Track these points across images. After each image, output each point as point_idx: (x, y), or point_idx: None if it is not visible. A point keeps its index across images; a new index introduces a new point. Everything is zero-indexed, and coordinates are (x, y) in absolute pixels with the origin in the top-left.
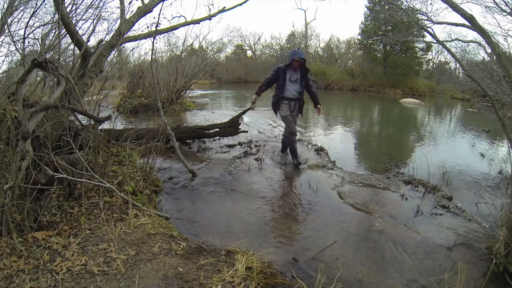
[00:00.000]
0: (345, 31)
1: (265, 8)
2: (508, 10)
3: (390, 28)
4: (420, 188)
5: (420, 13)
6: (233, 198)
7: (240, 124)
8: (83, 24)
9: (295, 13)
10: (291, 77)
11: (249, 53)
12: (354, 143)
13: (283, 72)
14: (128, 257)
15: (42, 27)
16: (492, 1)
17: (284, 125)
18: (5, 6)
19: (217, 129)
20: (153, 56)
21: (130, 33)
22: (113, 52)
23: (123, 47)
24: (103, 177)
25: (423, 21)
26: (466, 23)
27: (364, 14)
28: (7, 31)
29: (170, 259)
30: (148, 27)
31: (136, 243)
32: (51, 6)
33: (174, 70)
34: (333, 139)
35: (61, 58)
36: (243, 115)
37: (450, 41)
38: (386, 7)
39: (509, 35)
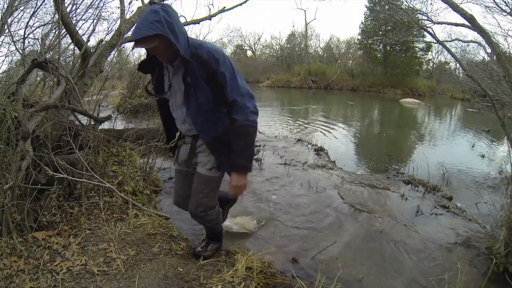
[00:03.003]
0: (345, 31)
1: (265, 8)
2: (508, 10)
3: (390, 28)
4: (420, 188)
5: (420, 13)
6: None
7: None
8: (83, 24)
9: (295, 13)
10: (171, 90)
11: (249, 53)
12: (354, 143)
13: (158, 76)
14: (128, 257)
15: (42, 27)
16: (492, 1)
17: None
18: (5, 6)
19: None
20: None
21: (130, 33)
22: (113, 52)
23: (123, 47)
24: (103, 177)
25: (423, 21)
26: (466, 23)
27: (364, 14)
28: (7, 31)
29: (170, 259)
30: None
31: (136, 243)
32: (51, 6)
33: None
34: (333, 139)
35: (61, 58)
36: None
37: (450, 41)
38: (386, 7)
39: (509, 35)
